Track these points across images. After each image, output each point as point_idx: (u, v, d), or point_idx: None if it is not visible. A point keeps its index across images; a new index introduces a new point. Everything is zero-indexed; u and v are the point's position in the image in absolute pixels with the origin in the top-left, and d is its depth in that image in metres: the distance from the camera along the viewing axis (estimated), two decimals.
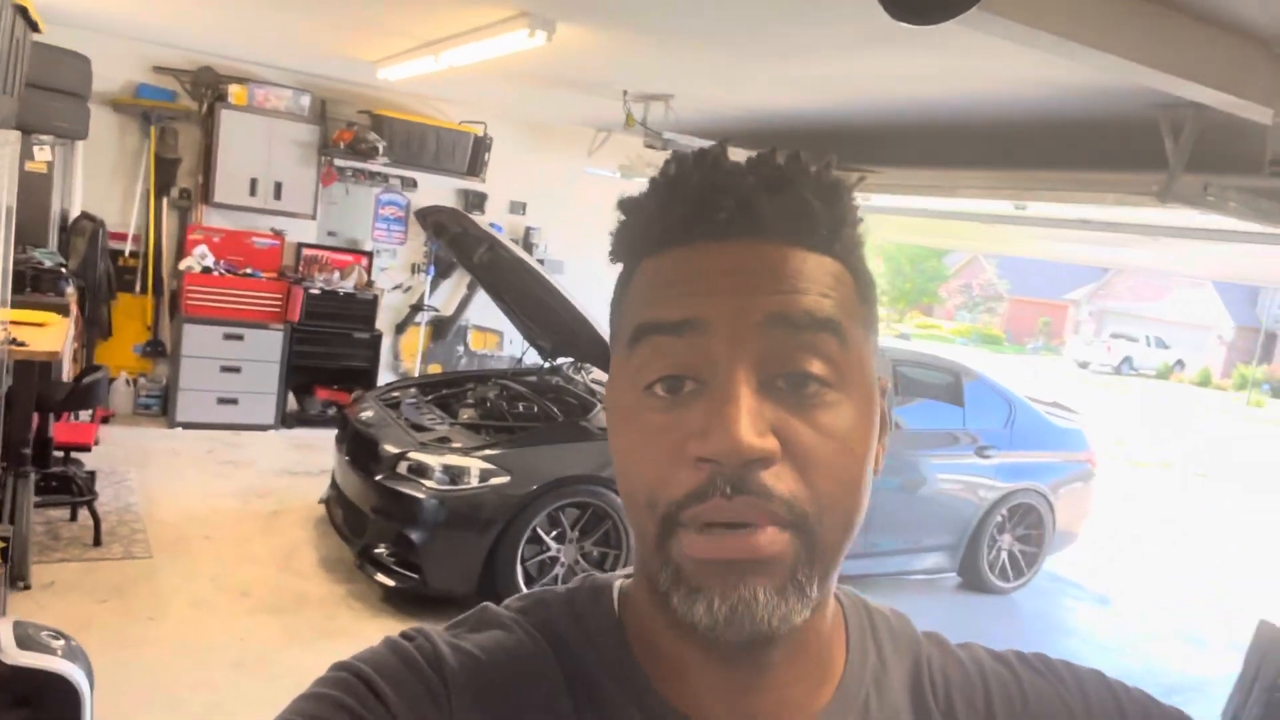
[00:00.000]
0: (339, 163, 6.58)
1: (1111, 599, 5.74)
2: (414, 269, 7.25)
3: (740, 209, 0.52)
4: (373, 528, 3.99)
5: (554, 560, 4.01)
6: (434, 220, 4.74)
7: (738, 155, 0.55)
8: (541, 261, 7.47)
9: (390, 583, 3.87)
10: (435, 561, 3.85)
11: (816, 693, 0.57)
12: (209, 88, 6.25)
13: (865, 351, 0.54)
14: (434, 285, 7.32)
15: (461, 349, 7.57)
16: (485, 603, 0.62)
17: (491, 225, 7.32)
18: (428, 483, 3.87)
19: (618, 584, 0.61)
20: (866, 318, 0.55)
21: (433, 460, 3.92)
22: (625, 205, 0.57)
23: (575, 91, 5.14)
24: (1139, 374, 29.25)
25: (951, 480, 5.08)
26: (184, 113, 6.29)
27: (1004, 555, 5.31)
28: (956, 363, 5.42)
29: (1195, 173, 3.24)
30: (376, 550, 3.95)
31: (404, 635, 0.58)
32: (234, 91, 6.20)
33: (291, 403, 6.60)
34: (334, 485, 4.50)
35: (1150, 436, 14.74)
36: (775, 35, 3.31)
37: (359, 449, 4.21)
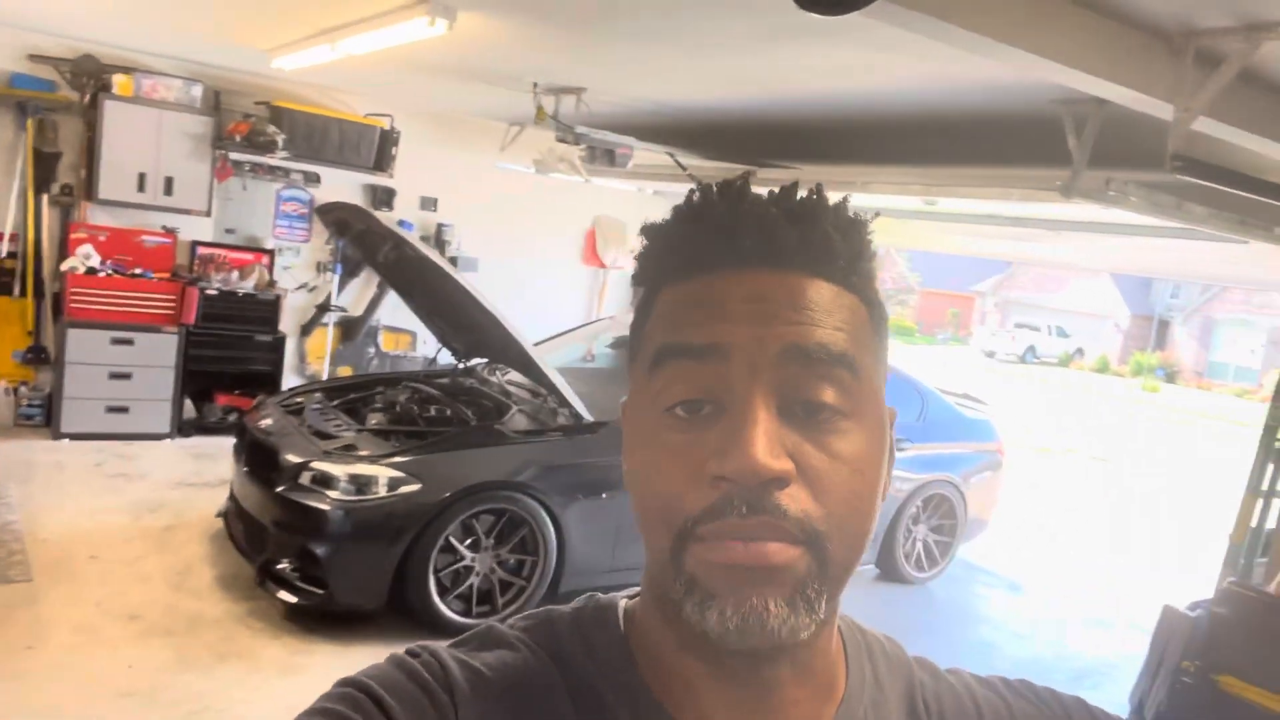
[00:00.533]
0: (235, 156, 6.26)
1: (1022, 585, 5.88)
2: (319, 268, 6.97)
3: (763, 239, 0.54)
4: (274, 542, 3.78)
5: (469, 569, 3.87)
6: (336, 217, 4.53)
7: (758, 187, 0.57)
8: (455, 260, 7.30)
9: (293, 599, 3.67)
10: (342, 576, 3.68)
11: (820, 712, 0.58)
12: (91, 77, 5.87)
13: (877, 382, 0.57)
14: (342, 284, 7.05)
15: (373, 350, 7.32)
16: (490, 622, 0.63)
17: (401, 222, 7.12)
18: (332, 493, 3.69)
19: (623, 603, 0.63)
20: (878, 349, 0.58)
21: (338, 469, 3.73)
22: (649, 231, 0.58)
23: (484, 84, 4.98)
24: (1042, 362, 30.39)
25: None
26: (64, 104, 5.89)
27: (919, 546, 5.38)
28: None
29: (1097, 168, 3.29)
30: (278, 566, 3.75)
31: (409, 652, 0.59)
32: (119, 81, 5.84)
33: (189, 410, 6.27)
34: (232, 498, 4.26)
35: (1053, 423, 15.28)
36: (688, 27, 3.23)
37: (258, 459, 3.99)
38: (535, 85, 4.60)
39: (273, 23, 4.28)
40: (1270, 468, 3.50)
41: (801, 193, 0.56)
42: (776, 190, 0.57)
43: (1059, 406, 18.10)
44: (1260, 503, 3.51)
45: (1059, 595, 5.80)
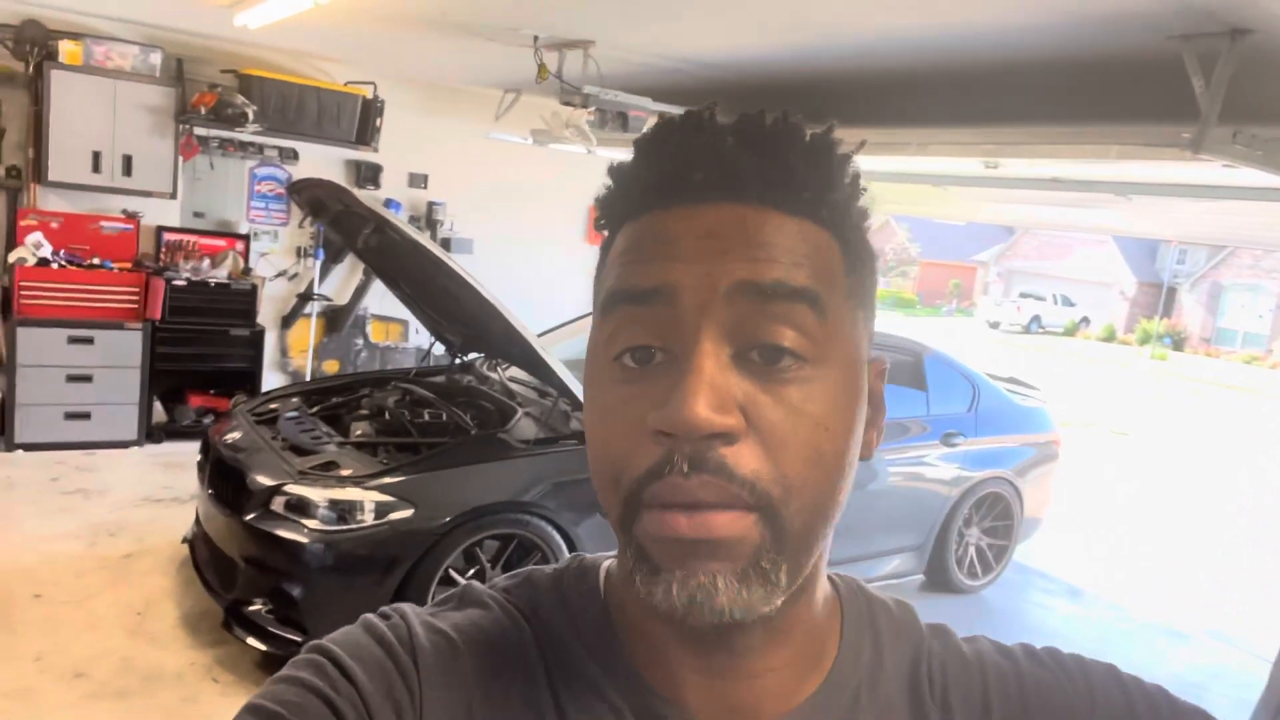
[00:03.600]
0: (201, 131, 5.64)
1: (1082, 590, 5.35)
2: (300, 253, 6.37)
3: (718, 170, 0.50)
4: (244, 579, 3.22)
5: None
6: (310, 196, 3.93)
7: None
8: (447, 241, 6.71)
9: (265, 648, 3.12)
10: (323, 618, 3.11)
11: (802, 681, 0.56)
12: (35, 45, 5.23)
13: (850, 326, 0.52)
14: (324, 271, 6.45)
15: (360, 342, 6.73)
16: (471, 581, 0.65)
17: (388, 202, 6.51)
18: (310, 522, 3.12)
19: (605, 564, 0.61)
20: (854, 290, 0.53)
21: (315, 494, 3.17)
22: (612, 170, 0.55)
23: (477, 42, 4.36)
24: (1047, 332, 29.95)
25: (917, 475, 4.57)
26: (6, 75, 5.28)
27: (971, 551, 4.85)
28: (916, 340, 4.88)
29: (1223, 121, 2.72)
30: (249, 607, 3.19)
31: (380, 614, 0.57)
32: (66, 49, 5.20)
33: (159, 413, 5.70)
34: (198, 523, 3.70)
35: (1067, 396, 14.79)
36: None
37: (224, 481, 3.43)
38: (536, 39, 3.99)
39: None
40: None
41: (768, 120, 0.51)
42: (740, 117, 0.51)
43: (1069, 378, 17.58)
44: None
45: (1123, 600, 5.27)
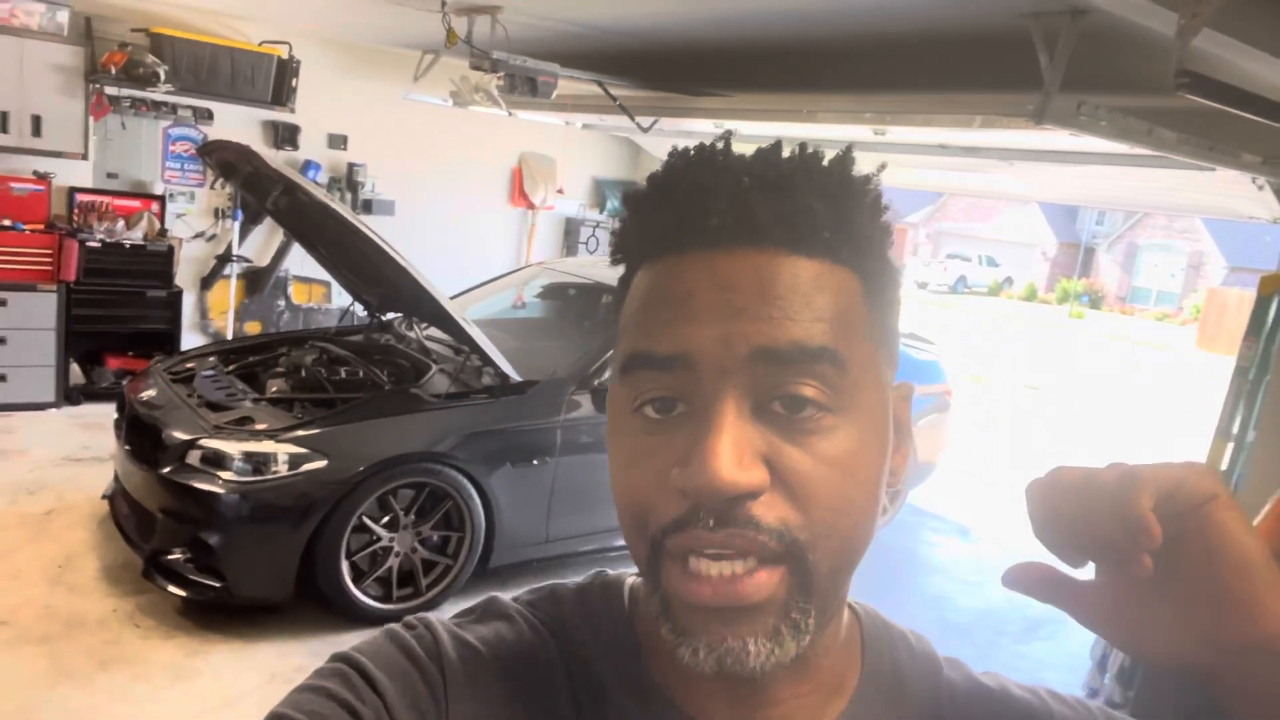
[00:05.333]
0: (112, 91, 5.60)
1: (971, 530, 5.75)
2: (218, 214, 6.36)
3: (733, 215, 0.49)
4: (162, 530, 3.35)
5: (387, 550, 3.51)
6: (219, 158, 4.00)
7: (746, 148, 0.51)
8: (369, 203, 6.76)
9: (185, 594, 3.27)
10: (240, 566, 3.28)
11: (826, 706, 0.56)
12: None
13: (871, 366, 0.51)
14: (244, 232, 6.46)
15: (283, 304, 6.77)
16: (494, 594, 0.61)
17: (308, 163, 6.54)
18: (225, 474, 3.26)
19: (629, 581, 0.61)
20: (876, 329, 0.52)
21: (230, 447, 3.30)
22: (628, 202, 0.55)
23: (387, 5, 4.43)
24: (972, 291, 30.79)
25: None
26: None
27: None
28: None
29: (1067, 92, 2.98)
30: (168, 556, 3.33)
31: (405, 624, 0.57)
32: None
33: (77, 375, 5.70)
34: (117, 479, 3.80)
35: (985, 352, 15.38)
36: None
37: (140, 437, 3.53)
38: (444, 4, 4.08)
39: None
40: (1240, 411, 3.32)
41: (786, 153, 0.51)
42: (756, 152, 0.51)
43: (990, 335, 18.26)
44: (1230, 446, 3.33)
45: (1010, 539, 5.68)
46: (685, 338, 0.48)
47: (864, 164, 0.53)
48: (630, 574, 0.61)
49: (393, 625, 0.57)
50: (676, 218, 0.50)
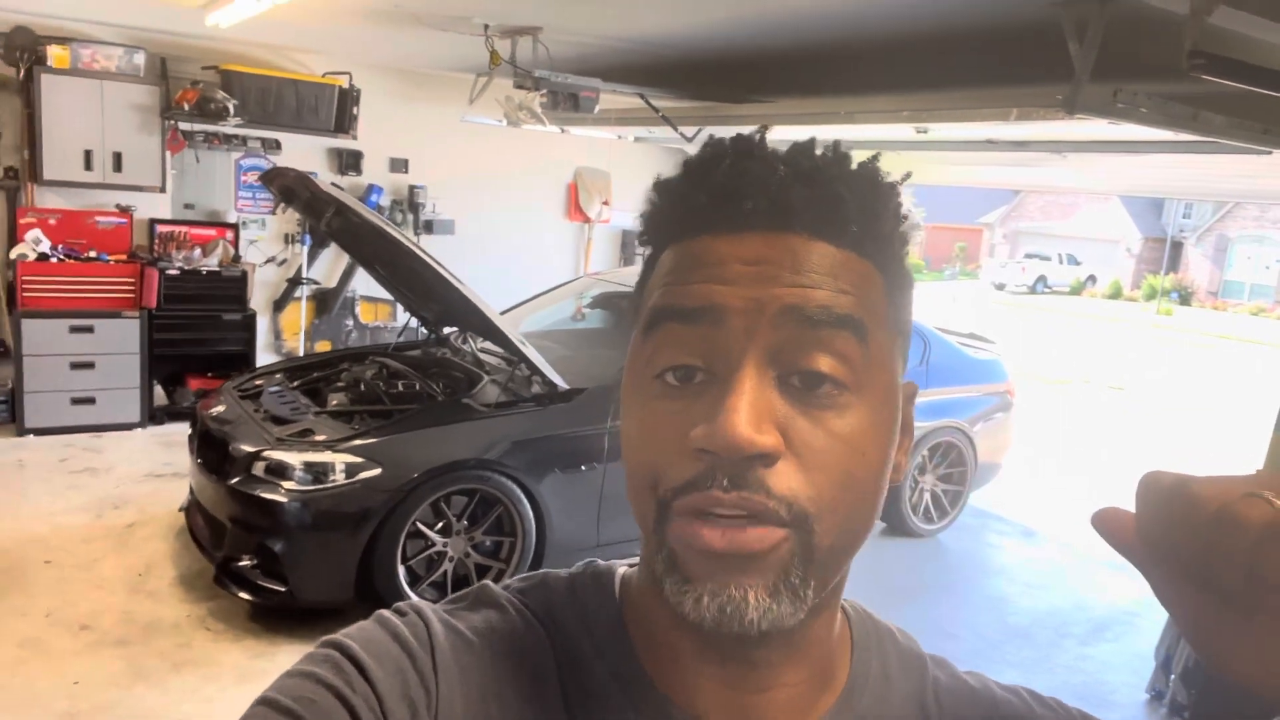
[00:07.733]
0: (186, 126, 5.91)
1: (1037, 531, 5.61)
2: (288, 239, 6.66)
3: (768, 201, 0.51)
4: (231, 538, 3.53)
5: (441, 555, 3.62)
6: (280, 184, 4.21)
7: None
8: (430, 223, 6.98)
9: (253, 599, 3.44)
10: (303, 571, 3.43)
11: (816, 700, 0.57)
12: (25, 51, 5.51)
13: (889, 354, 0.53)
14: (312, 256, 6.74)
15: (350, 323, 7.03)
16: (485, 582, 0.61)
17: (371, 187, 6.79)
18: (287, 484, 3.42)
19: (620, 570, 0.62)
20: (894, 321, 0.54)
21: (292, 458, 3.47)
22: (657, 188, 0.56)
23: (434, 30, 4.60)
24: (1053, 291, 29.88)
25: None
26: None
27: (926, 496, 5.11)
28: None
29: (1104, 80, 2.93)
30: (238, 563, 3.51)
31: (396, 610, 0.57)
32: (54, 53, 5.48)
33: (160, 396, 6.02)
34: (192, 491, 4.01)
35: (1066, 354, 14.92)
36: None
37: (210, 451, 3.73)
38: (486, 28, 4.23)
39: None
40: None
41: (819, 150, 0.53)
42: (792, 146, 0.53)
43: (1072, 336, 17.70)
44: None
45: (1077, 540, 5.52)
46: (715, 294, 0.50)
47: (898, 169, 0.56)
48: (621, 564, 0.62)
49: (384, 611, 0.57)
50: (710, 201, 0.52)
